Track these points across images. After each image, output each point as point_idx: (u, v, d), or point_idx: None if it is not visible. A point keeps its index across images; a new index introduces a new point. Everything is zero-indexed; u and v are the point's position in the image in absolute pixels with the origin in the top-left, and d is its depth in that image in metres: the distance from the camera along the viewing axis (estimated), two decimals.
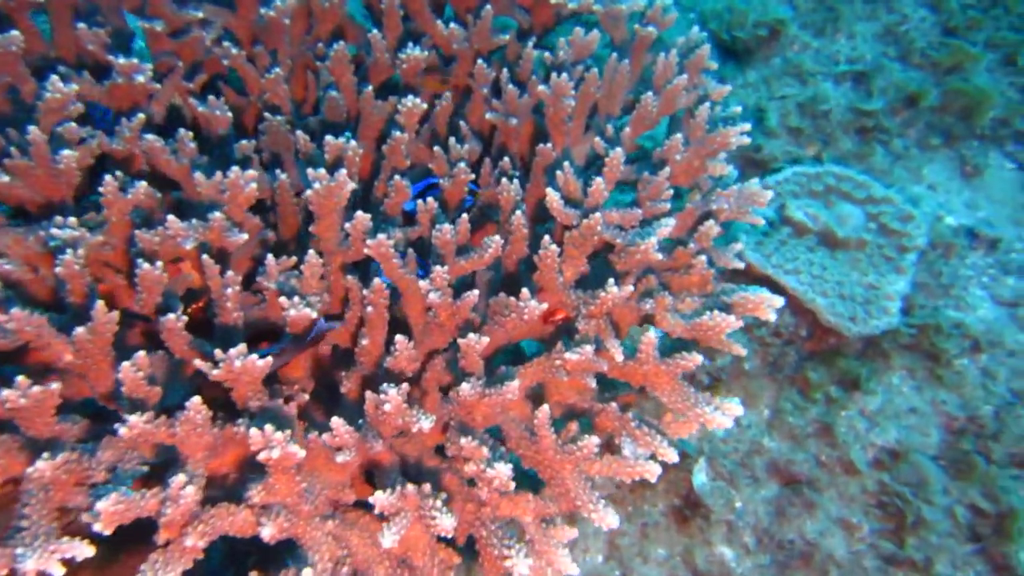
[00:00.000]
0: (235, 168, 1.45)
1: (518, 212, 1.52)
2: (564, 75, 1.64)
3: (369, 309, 1.41)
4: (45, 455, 1.13)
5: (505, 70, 1.76)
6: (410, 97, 1.68)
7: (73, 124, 1.53)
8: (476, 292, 1.40)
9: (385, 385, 1.29)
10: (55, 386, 1.17)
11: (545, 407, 1.34)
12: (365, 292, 1.42)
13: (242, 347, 1.28)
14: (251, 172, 1.47)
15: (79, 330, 1.22)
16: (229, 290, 1.39)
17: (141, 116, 1.62)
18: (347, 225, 1.49)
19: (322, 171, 1.47)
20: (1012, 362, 2.52)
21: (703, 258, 1.58)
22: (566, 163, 1.59)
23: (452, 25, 1.80)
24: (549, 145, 1.67)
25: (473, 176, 1.66)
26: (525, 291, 1.39)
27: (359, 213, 1.48)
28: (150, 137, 1.55)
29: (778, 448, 2.47)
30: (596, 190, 1.51)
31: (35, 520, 1.10)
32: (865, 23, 3.39)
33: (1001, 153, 3.10)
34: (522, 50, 1.82)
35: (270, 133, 1.72)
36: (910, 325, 2.52)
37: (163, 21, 1.71)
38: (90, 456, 1.19)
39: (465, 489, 1.39)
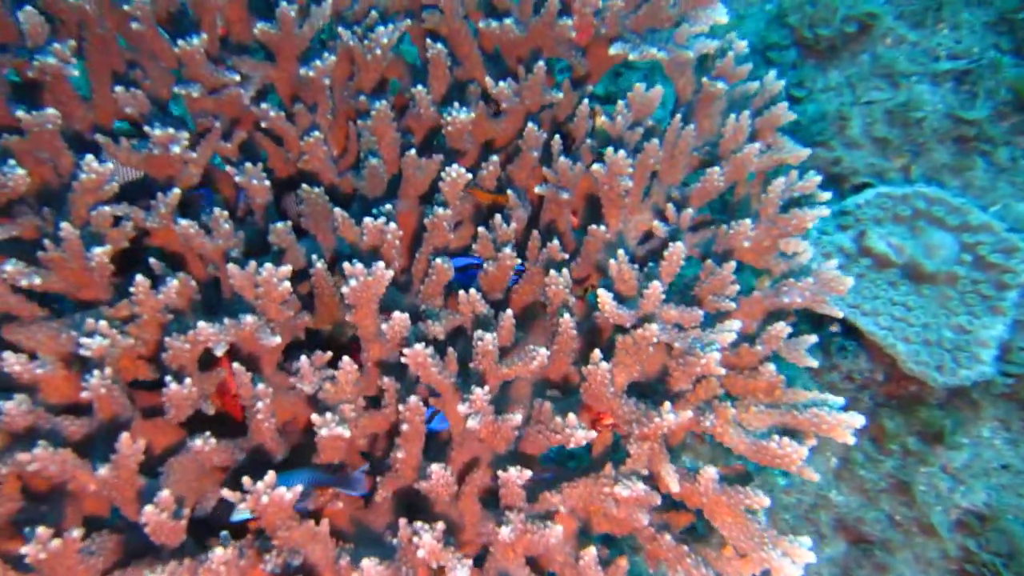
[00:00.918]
0: (268, 266, 1.37)
1: (567, 317, 1.40)
2: (621, 152, 1.49)
3: (405, 427, 1.33)
4: None
5: (557, 138, 1.62)
6: (454, 167, 1.55)
7: (107, 209, 1.47)
8: (519, 417, 1.30)
9: (419, 525, 1.21)
10: (76, 533, 1.13)
11: (592, 550, 1.25)
12: (401, 408, 1.34)
13: (270, 478, 1.22)
14: (284, 269, 1.39)
15: (102, 471, 1.17)
16: (260, 404, 1.33)
17: (176, 192, 1.54)
18: (384, 327, 1.40)
19: (359, 266, 1.38)
20: None
21: (771, 367, 1.44)
22: (620, 252, 1.45)
23: (502, 84, 1.65)
24: (603, 228, 1.53)
25: (519, 262, 1.54)
26: (572, 417, 1.28)
27: (396, 315, 1.39)
28: (184, 223, 1.48)
29: (846, 503, 2.32)
30: (652, 294, 1.37)
31: None
32: (975, 9, 3.02)
33: None
34: (576, 105, 1.66)
35: (308, 204, 1.62)
36: (1007, 374, 2.31)
37: (200, 85, 1.62)
38: None
39: None
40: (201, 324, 1.33)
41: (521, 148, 1.67)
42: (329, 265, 1.66)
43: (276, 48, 1.67)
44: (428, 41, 1.70)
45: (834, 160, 2.78)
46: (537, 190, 1.62)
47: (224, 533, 1.24)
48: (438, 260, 1.51)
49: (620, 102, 1.60)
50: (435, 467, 1.28)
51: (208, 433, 1.28)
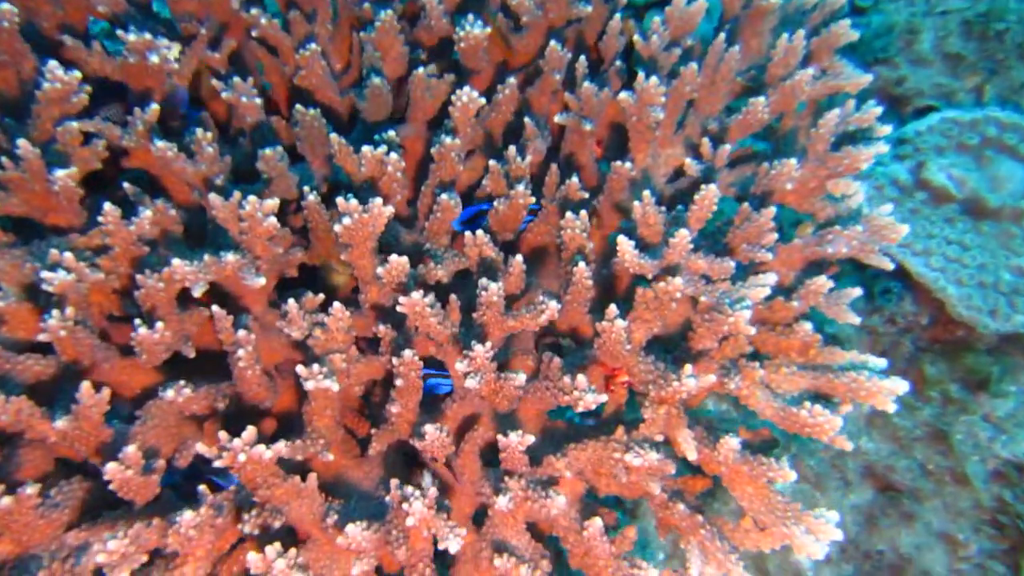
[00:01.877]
0: (252, 199, 1.23)
1: (582, 266, 1.25)
2: (653, 80, 1.30)
3: (400, 382, 1.21)
4: None
5: (582, 60, 1.42)
6: (466, 90, 1.38)
7: (73, 125, 1.33)
8: (523, 377, 1.18)
9: (410, 490, 1.12)
10: (31, 490, 1.05)
11: (598, 521, 1.15)
12: (395, 361, 1.22)
13: (250, 434, 1.12)
14: (270, 203, 1.25)
15: (60, 422, 1.08)
16: (241, 352, 1.22)
17: (154, 108, 1.40)
18: (380, 271, 1.27)
19: (354, 202, 1.24)
20: None
21: (807, 326, 1.29)
22: (646, 193, 1.29)
23: None
24: (628, 165, 1.36)
25: (533, 200, 1.38)
26: (582, 379, 1.16)
27: (393, 259, 1.26)
28: (161, 144, 1.34)
29: (876, 450, 2.20)
30: (679, 244, 1.22)
31: None
32: None
33: None
34: (607, 20, 1.46)
35: (302, 127, 1.47)
36: None
37: None
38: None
39: None
40: (176, 262, 1.20)
41: (542, 69, 1.48)
42: (326, 195, 1.53)
43: None
44: None
45: (897, 80, 2.51)
46: (558, 119, 1.44)
47: (201, 488, 1.16)
48: (444, 196, 1.36)
49: (656, 18, 1.39)
50: (430, 428, 1.17)
51: (182, 383, 1.18)
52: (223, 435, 1.11)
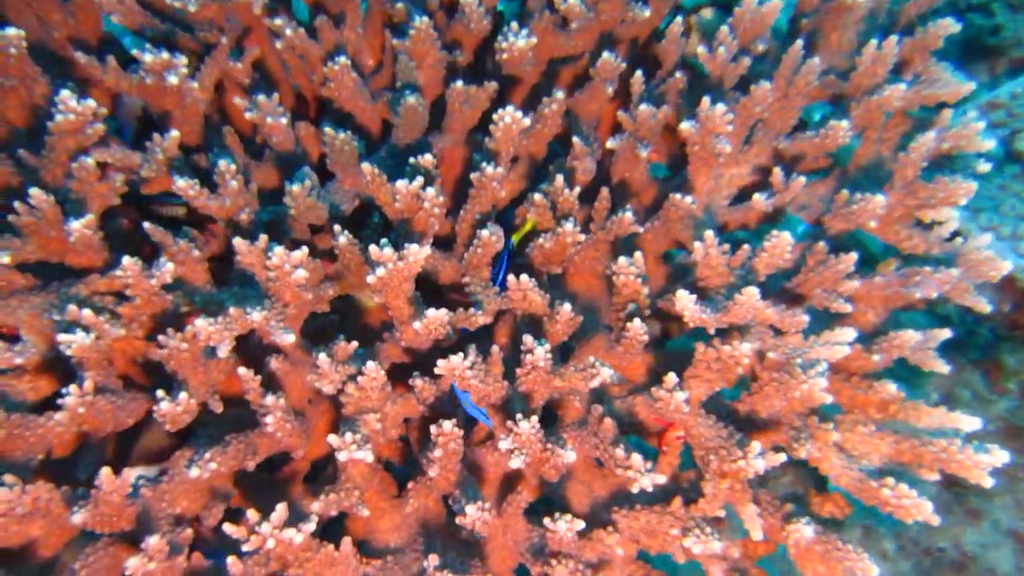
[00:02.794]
0: (279, 251, 1.13)
1: (636, 324, 1.13)
2: (719, 108, 1.15)
3: (438, 452, 1.13)
4: None
5: (638, 76, 1.27)
6: (509, 110, 1.25)
7: (89, 161, 1.24)
8: (572, 455, 1.08)
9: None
10: None
11: None
12: (433, 430, 1.13)
13: (279, 515, 1.06)
14: (298, 255, 1.15)
15: (78, 516, 1.02)
16: (270, 418, 1.14)
17: (174, 136, 1.30)
18: (416, 325, 1.17)
19: (387, 251, 1.14)
20: None
21: (890, 386, 1.16)
22: (709, 233, 1.15)
23: None
24: (689, 199, 1.22)
25: (582, 238, 1.25)
26: (638, 459, 1.06)
27: (431, 314, 1.16)
28: (182, 183, 1.24)
29: None
30: (747, 303, 1.09)
31: None
32: None
33: None
34: (667, 21, 1.30)
35: (332, 151, 1.35)
36: None
37: None
38: None
39: None
40: (200, 322, 1.12)
41: (592, 77, 1.33)
42: (357, 215, 1.43)
43: None
44: None
45: (992, 28, 2.25)
46: (610, 144, 1.30)
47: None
48: (485, 233, 1.24)
49: (723, 27, 1.22)
50: (471, 509, 1.09)
51: (209, 458, 1.11)
52: (251, 515, 1.05)
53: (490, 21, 1.39)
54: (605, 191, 1.30)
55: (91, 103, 1.24)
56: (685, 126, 1.19)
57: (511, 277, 1.20)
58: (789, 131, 1.31)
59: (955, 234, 1.30)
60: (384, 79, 1.52)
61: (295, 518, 1.07)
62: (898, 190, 1.23)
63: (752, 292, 1.08)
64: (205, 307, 1.26)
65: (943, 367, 1.22)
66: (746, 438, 1.10)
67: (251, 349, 1.29)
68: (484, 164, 1.25)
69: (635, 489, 1.06)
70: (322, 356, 1.18)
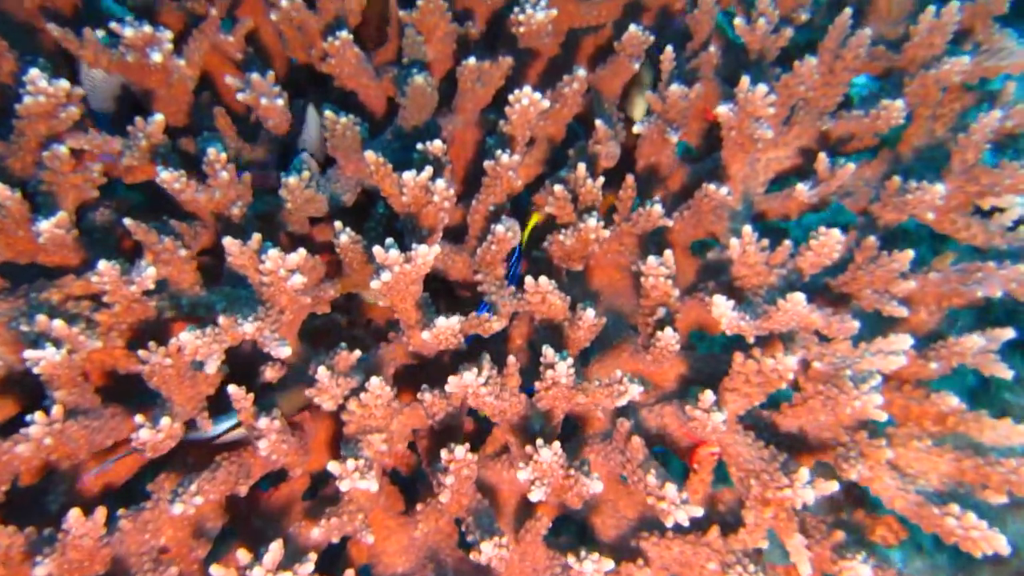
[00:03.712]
0: (272, 253, 1.02)
1: (668, 334, 1.02)
2: (760, 89, 1.02)
3: (450, 479, 1.03)
4: None
5: (668, 51, 1.13)
6: (527, 91, 1.12)
7: (62, 149, 1.13)
8: (599, 484, 0.98)
9: None
10: None
11: None
12: (444, 455, 1.03)
13: (274, 555, 0.96)
14: (294, 258, 1.04)
15: (39, 569, 0.91)
16: (264, 443, 1.04)
17: (159, 120, 1.18)
18: (425, 335, 1.06)
19: (393, 253, 1.02)
20: None
21: (951, 398, 1.05)
22: (747, 228, 1.03)
23: None
24: (724, 190, 1.09)
25: (607, 234, 1.13)
26: (672, 489, 0.95)
27: (441, 323, 1.05)
28: (166, 176, 1.12)
29: None
30: (791, 309, 0.97)
31: None
32: None
33: None
34: None
35: (334, 136, 1.23)
36: None
37: None
38: None
39: None
40: (184, 336, 1.01)
41: (617, 52, 1.20)
42: (359, 203, 1.31)
43: None
44: None
45: None
46: (636, 129, 1.17)
47: None
48: (500, 227, 1.12)
49: None
50: (487, 547, 0.99)
51: (195, 491, 1.00)
52: (242, 555, 0.95)
53: None
54: (630, 179, 1.17)
55: (63, 84, 1.13)
56: (722, 110, 1.06)
57: (528, 279, 1.08)
58: (833, 109, 1.18)
59: (1018, 223, 1.18)
60: (389, 51, 1.39)
61: (291, 553, 0.97)
62: (957, 175, 1.10)
63: (798, 299, 0.96)
64: (193, 312, 1.16)
65: (1006, 372, 1.10)
66: (791, 460, 0.99)
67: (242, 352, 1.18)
68: (499, 152, 1.13)
69: (669, 523, 0.95)
70: (321, 370, 1.07)
